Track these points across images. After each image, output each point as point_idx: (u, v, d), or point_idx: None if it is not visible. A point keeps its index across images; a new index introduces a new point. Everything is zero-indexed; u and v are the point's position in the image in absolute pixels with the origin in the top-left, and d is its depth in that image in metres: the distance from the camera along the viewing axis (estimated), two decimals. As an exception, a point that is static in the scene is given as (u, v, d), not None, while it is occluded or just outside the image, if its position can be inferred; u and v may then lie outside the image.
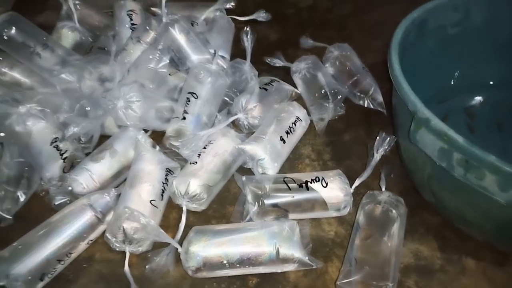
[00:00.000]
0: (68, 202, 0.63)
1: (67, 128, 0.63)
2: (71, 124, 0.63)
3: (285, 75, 0.84)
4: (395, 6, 1.01)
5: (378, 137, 0.61)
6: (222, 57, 0.86)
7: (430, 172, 0.54)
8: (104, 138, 0.71)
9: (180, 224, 0.61)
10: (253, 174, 0.65)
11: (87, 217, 0.60)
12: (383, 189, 0.60)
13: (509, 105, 0.74)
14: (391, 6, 1.02)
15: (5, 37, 0.77)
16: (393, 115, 0.65)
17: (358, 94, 0.77)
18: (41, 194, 0.67)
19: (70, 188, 0.63)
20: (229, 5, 0.93)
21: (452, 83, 0.75)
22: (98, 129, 0.68)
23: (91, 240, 0.61)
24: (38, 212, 0.65)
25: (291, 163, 0.72)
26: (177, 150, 0.70)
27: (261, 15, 0.96)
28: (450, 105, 0.74)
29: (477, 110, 0.75)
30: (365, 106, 0.77)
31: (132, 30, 0.86)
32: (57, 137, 0.66)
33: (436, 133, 0.47)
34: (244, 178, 0.63)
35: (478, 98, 0.76)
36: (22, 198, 0.66)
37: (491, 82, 0.75)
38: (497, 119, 0.73)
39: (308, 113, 0.76)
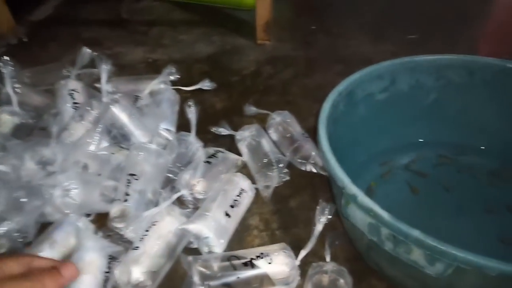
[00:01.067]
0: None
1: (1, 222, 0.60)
2: (6, 219, 0.60)
3: (231, 143, 0.86)
4: (332, 69, 1.08)
5: (318, 207, 0.62)
6: (168, 130, 0.87)
7: (368, 242, 0.55)
8: (47, 224, 0.69)
9: (125, 316, 0.58)
10: (200, 254, 0.64)
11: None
12: (328, 259, 0.60)
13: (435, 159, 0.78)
14: (329, 69, 1.09)
15: None
16: (330, 183, 0.67)
17: (299, 160, 0.79)
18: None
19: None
20: (173, 77, 0.95)
21: (386, 144, 0.79)
22: (33, 224, 0.65)
23: None
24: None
25: (239, 236, 0.71)
26: (121, 233, 0.68)
27: (206, 84, 0.99)
28: (391, 165, 0.78)
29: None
30: (308, 170, 0.79)
31: (75, 109, 0.86)
32: (-9, 234, 0.63)
33: (363, 209, 0.48)
34: (190, 258, 0.62)
35: (413, 155, 0.80)
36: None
37: (421, 140, 0.80)
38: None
39: (254, 181, 0.77)
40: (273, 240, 0.70)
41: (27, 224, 0.63)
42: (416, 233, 0.44)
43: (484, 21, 1.41)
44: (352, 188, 0.50)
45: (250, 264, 0.60)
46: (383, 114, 0.76)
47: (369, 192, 0.72)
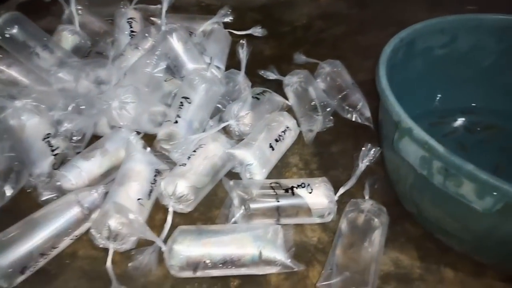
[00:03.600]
0: (55, 198, 0.64)
1: (60, 124, 0.64)
2: (65, 120, 0.64)
3: (278, 87, 0.86)
4: (387, 30, 1.06)
5: (363, 148, 0.63)
6: (217, 67, 0.89)
7: (412, 182, 0.56)
8: (96, 138, 0.73)
9: (165, 224, 0.61)
10: (241, 180, 0.66)
11: (74, 212, 0.60)
12: (367, 197, 0.61)
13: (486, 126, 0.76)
14: (383, 30, 1.06)
15: (6, 35, 0.79)
16: (379, 128, 0.67)
17: (347, 108, 0.79)
18: (27, 190, 0.68)
19: (59, 183, 0.64)
20: (227, 19, 0.96)
21: (436, 104, 0.78)
22: (91, 127, 0.69)
23: (76, 236, 0.61)
24: (25, 207, 0.64)
25: (278, 171, 0.73)
26: (167, 154, 0.71)
27: (257, 31, 0.99)
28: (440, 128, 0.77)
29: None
30: (353, 120, 0.79)
31: (131, 37, 0.89)
32: (50, 133, 0.67)
33: (418, 142, 0.49)
34: (231, 182, 0.64)
35: (461, 119, 0.78)
36: (9, 192, 0.66)
37: (473, 104, 0.78)
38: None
39: (298, 124, 0.78)
40: (311, 178, 0.71)
41: (85, 126, 0.66)
42: (470, 166, 0.44)
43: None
44: (408, 121, 0.50)
45: (291, 192, 0.62)
46: (439, 71, 0.74)
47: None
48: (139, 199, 0.61)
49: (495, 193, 0.43)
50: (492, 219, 0.46)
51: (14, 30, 0.79)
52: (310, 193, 0.62)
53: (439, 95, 0.78)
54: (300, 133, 0.78)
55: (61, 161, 0.68)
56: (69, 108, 0.69)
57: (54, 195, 0.64)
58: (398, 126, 0.51)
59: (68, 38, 0.88)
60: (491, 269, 0.58)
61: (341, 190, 0.64)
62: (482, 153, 0.72)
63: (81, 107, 0.69)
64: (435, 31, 0.71)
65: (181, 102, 0.71)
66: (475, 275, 0.58)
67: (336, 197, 0.63)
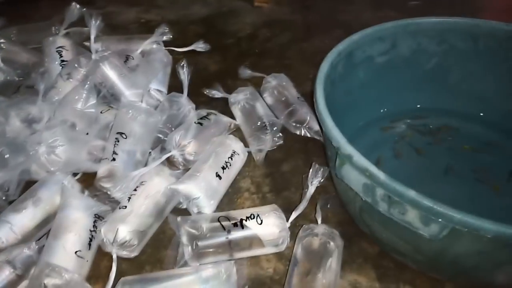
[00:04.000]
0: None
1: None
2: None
3: (225, 106, 0.83)
4: (332, 34, 1.05)
5: (311, 169, 0.60)
6: (159, 90, 0.85)
7: (361, 205, 0.54)
8: (32, 182, 0.67)
9: (110, 274, 0.57)
10: (189, 214, 0.62)
11: (5, 275, 0.55)
12: (319, 222, 0.59)
13: (435, 127, 0.76)
14: (328, 34, 1.05)
15: None
16: (324, 147, 0.65)
17: (294, 124, 0.77)
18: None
19: (-14, 244, 0.58)
20: (166, 37, 0.92)
21: (384, 109, 0.77)
22: (16, 179, 0.63)
23: (11, 300, 0.56)
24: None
25: (230, 198, 0.70)
26: (108, 192, 0.66)
27: (200, 46, 0.96)
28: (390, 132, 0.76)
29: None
30: (302, 135, 0.77)
31: (62, 66, 0.83)
32: (-27, 189, 0.62)
33: (359, 169, 0.47)
34: (179, 218, 0.61)
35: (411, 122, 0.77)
36: None
37: (418, 106, 0.78)
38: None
39: (247, 145, 0.75)
40: (264, 203, 0.68)
41: (9, 180, 0.61)
42: (412, 193, 0.42)
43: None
44: (347, 148, 0.48)
45: (240, 225, 0.59)
46: (383, 79, 0.73)
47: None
48: (77, 251, 0.57)
49: (440, 220, 0.42)
50: (442, 243, 0.45)
51: None
52: (260, 224, 0.59)
53: (385, 101, 0.77)
54: (250, 153, 0.75)
55: (-9, 215, 0.63)
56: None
57: (-16, 255, 0.58)
58: (338, 152, 0.49)
59: (-10, 75, 0.82)
60: (449, 283, 0.57)
61: (293, 216, 0.61)
62: (432, 155, 0.72)
63: (5, 156, 0.63)
64: (374, 39, 0.69)
65: (116, 138, 0.67)
66: (434, 291, 0.57)
67: (288, 224, 0.61)
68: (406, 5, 1.19)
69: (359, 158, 0.46)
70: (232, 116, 0.81)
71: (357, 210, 0.56)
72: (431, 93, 0.77)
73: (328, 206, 0.62)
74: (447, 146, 0.73)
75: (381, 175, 0.44)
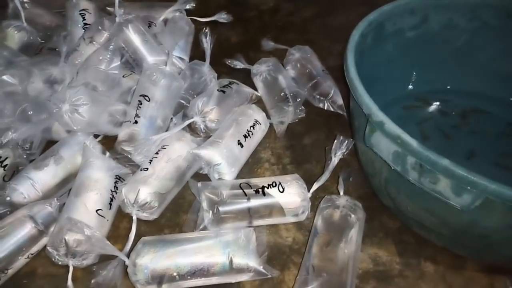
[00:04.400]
0: (8, 213, 0.59)
1: (4, 133, 0.58)
2: (10, 129, 0.58)
3: (246, 77, 0.82)
4: (357, 10, 1.02)
5: (335, 141, 0.59)
6: (181, 58, 0.84)
7: (387, 176, 0.53)
8: (52, 143, 0.67)
9: (129, 235, 0.57)
10: (210, 180, 0.62)
11: (27, 229, 0.55)
12: (341, 193, 0.58)
13: (461, 110, 0.74)
14: (353, 10, 1.02)
15: None
16: (350, 118, 0.64)
17: (318, 97, 0.75)
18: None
19: (8, 198, 0.58)
20: (189, 6, 0.90)
21: (409, 87, 0.75)
22: (39, 134, 0.63)
23: (32, 254, 0.57)
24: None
25: (250, 168, 0.69)
26: (129, 156, 0.66)
27: (222, 17, 0.93)
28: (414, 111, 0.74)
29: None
30: (325, 108, 0.76)
31: (85, 30, 0.82)
32: (-4, 144, 0.62)
33: (390, 137, 0.45)
34: (199, 184, 0.60)
35: (436, 103, 0.75)
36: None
37: (448, 87, 0.75)
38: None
39: (268, 116, 0.74)
40: (284, 174, 0.67)
41: (32, 135, 0.61)
42: (445, 162, 0.41)
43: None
44: (379, 114, 0.46)
45: (261, 192, 0.58)
46: (411, 54, 0.71)
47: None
48: (98, 210, 0.57)
49: (473, 190, 0.40)
50: (472, 215, 0.44)
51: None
52: (282, 192, 0.58)
53: (412, 78, 0.75)
54: (271, 125, 0.74)
55: (12, 172, 0.63)
56: (16, 115, 0.63)
57: (6, 210, 0.59)
58: (369, 119, 0.48)
59: (14, 35, 0.81)
60: (471, 260, 0.56)
61: (315, 186, 0.60)
62: (456, 139, 0.70)
63: (29, 112, 0.63)
64: (405, 12, 0.67)
65: (139, 101, 0.66)
66: (455, 268, 0.56)
67: (309, 194, 0.60)
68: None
69: (391, 125, 0.45)
70: (253, 88, 0.80)
71: (383, 182, 0.55)
72: (458, 73, 0.75)
73: (351, 179, 0.61)
74: (471, 130, 0.71)
75: (414, 142, 0.43)
